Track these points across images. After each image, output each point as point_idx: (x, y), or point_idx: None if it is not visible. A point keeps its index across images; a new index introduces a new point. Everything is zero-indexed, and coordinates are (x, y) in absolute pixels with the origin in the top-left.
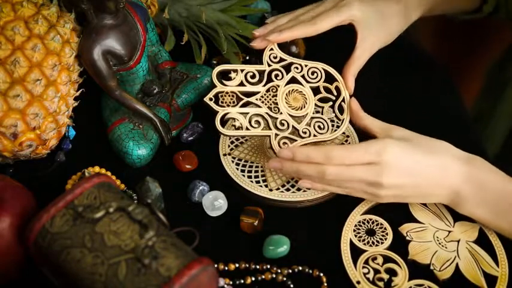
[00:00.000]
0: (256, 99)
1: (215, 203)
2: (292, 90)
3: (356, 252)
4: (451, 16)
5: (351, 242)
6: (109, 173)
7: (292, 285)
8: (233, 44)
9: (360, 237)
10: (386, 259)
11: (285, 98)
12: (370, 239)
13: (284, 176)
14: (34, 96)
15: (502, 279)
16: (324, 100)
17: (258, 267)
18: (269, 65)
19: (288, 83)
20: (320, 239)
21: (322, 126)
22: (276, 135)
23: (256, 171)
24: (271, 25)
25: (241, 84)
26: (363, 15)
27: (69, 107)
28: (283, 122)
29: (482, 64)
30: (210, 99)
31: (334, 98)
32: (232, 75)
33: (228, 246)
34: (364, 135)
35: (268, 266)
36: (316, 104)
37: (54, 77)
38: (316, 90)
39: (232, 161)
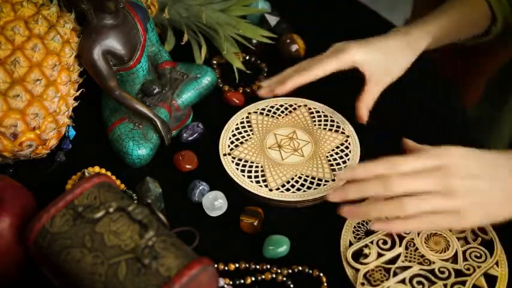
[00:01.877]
0: (403, 261)
1: (215, 203)
2: (428, 235)
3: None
4: (461, 43)
5: (350, 243)
6: (109, 173)
7: (292, 285)
8: (233, 44)
9: (360, 238)
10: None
11: (427, 246)
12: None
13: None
14: (34, 96)
15: (502, 279)
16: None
17: (258, 267)
18: None
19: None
20: (320, 239)
21: (479, 255)
22: (445, 285)
23: (256, 171)
24: (276, 77)
25: (379, 255)
26: (363, 57)
27: (69, 107)
28: (441, 269)
29: (483, 68)
30: (362, 284)
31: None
32: (366, 251)
33: (228, 246)
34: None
35: (268, 266)
36: (457, 237)
37: (54, 77)
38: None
39: (232, 161)
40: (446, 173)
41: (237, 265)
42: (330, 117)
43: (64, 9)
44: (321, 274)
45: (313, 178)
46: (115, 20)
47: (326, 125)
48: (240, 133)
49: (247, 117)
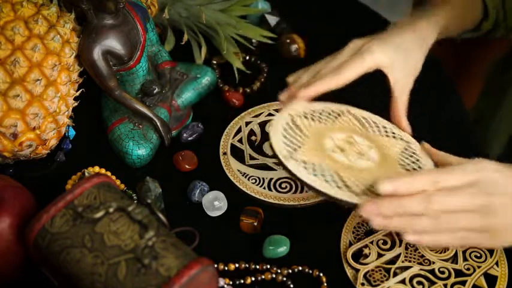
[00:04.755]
0: (403, 262)
1: (215, 203)
2: None
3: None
4: (453, 37)
5: (350, 243)
6: (109, 173)
7: (292, 285)
8: (233, 44)
9: (360, 238)
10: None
11: (427, 246)
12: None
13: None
14: (34, 96)
15: (502, 279)
16: None
17: (258, 267)
18: None
19: None
20: (320, 239)
21: (479, 255)
22: (445, 285)
23: (327, 180)
24: (295, 85)
25: (379, 255)
26: (386, 57)
27: (69, 107)
28: (442, 269)
29: (482, 66)
30: (362, 284)
31: None
32: (366, 251)
33: (228, 246)
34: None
35: (268, 266)
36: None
37: (54, 77)
38: None
39: (299, 166)
40: (485, 190)
41: (237, 265)
42: (382, 124)
43: (64, 9)
44: (321, 274)
45: None
46: (115, 20)
47: (380, 131)
48: (291, 135)
49: (292, 120)
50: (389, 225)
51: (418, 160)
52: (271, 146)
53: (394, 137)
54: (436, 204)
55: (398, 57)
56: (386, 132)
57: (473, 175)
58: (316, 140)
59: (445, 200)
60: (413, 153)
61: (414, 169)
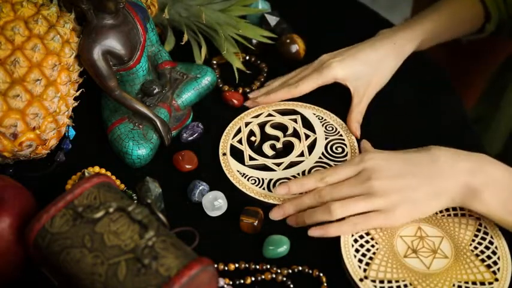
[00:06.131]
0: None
1: (215, 203)
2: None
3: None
4: (457, 40)
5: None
6: (109, 173)
7: (292, 285)
8: (233, 44)
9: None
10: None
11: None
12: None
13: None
14: (34, 96)
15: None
16: None
17: (257, 267)
18: None
19: None
20: (320, 239)
21: None
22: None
23: None
24: (265, 88)
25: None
26: (345, 72)
27: (69, 107)
28: None
29: (483, 69)
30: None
31: None
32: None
33: (228, 246)
34: None
35: (268, 266)
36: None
37: (54, 77)
38: None
39: (374, 286)
40: (367, 176)
41: (237, 265)
42: None
43: (64, 9)
44: (321, 274)
45: (474, 283)
46: (115, 20)
47: (447, 209)
48: (361, 246)
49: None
50: (297, 221)
51: (491, 243)
52: (344, 264)
53: (463, 214)
54: (324, 195)
55: (359, 70)
56: (454, 208)
57: (359, 165)
58: (387, 245)
59: (331, 192)
60: (486, 233)
61: (489, 257)
